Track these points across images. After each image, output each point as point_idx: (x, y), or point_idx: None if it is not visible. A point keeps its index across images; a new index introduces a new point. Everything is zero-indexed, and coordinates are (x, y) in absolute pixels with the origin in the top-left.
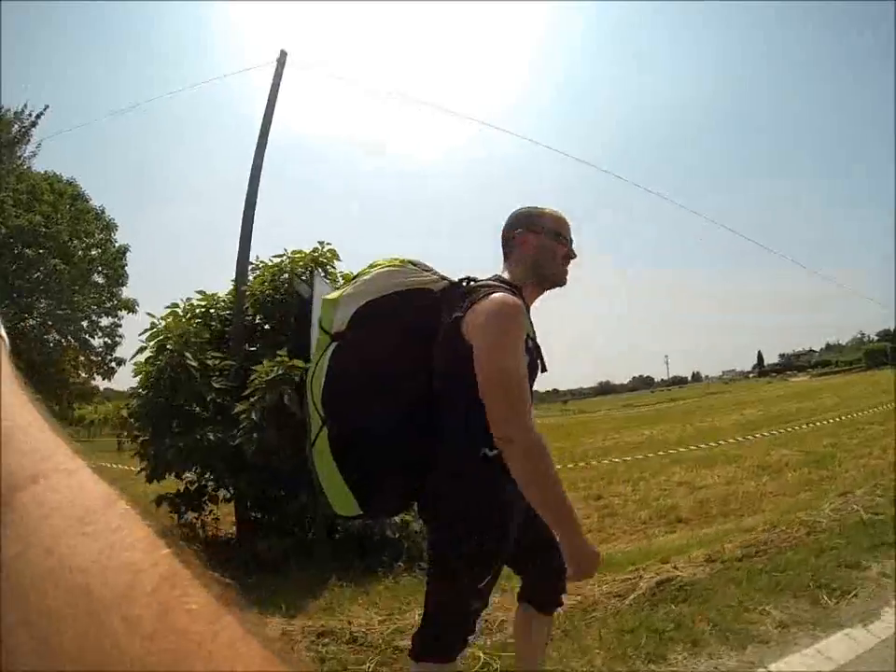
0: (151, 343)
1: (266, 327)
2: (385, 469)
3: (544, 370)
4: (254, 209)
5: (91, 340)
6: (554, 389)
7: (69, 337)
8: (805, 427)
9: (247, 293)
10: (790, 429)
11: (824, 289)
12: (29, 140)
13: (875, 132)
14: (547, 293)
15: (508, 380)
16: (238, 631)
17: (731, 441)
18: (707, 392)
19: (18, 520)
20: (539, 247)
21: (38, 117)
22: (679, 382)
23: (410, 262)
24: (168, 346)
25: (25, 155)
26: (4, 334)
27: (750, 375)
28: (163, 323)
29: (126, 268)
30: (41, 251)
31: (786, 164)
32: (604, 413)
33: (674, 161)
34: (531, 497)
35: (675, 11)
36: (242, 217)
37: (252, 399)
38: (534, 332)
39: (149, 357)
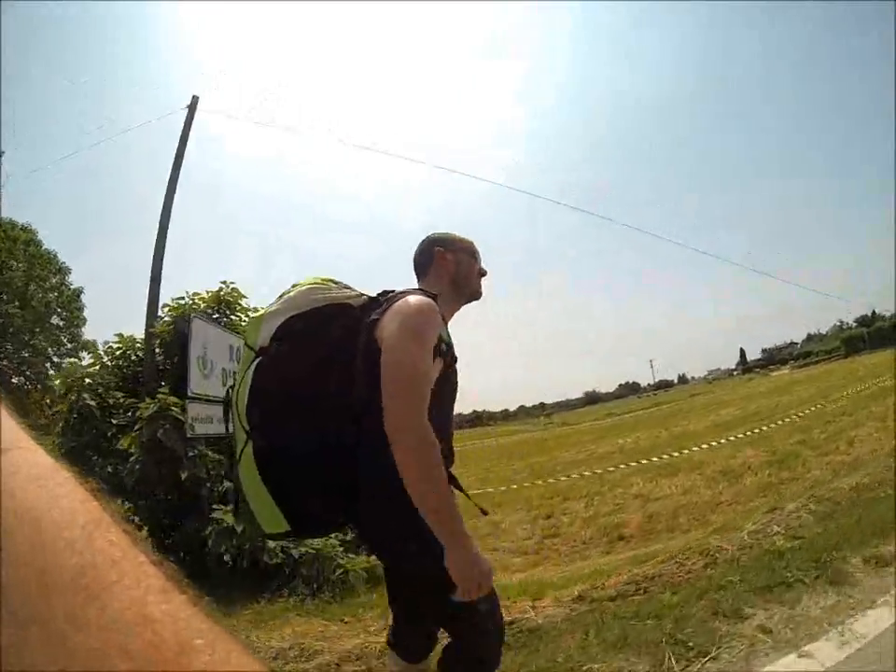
0: (59, 385)
1: (168, 366)
2: (309, 483)
3: (456, 381)
4: (163, 252)
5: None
6: (541, 403)
7: (32, 380)
8: (778, 423)
9: (155, 334)
10: (763, 428)
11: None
12: None
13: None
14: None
15: (407, 373)
16: (152, 575)
17: (702, 446)
18: (691, 394)
19: None
20: (457, 263)
21: None
22: (665, 385)
23: (331, 281)
24: (73, 389)
25: None
26: None
27: (734, 373)
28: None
29: (83, 310)
30: None
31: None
32: (588, 423)
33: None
34: (413, 496)
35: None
36: (152, 259)
37: (133, 434)
38: (450, 341)
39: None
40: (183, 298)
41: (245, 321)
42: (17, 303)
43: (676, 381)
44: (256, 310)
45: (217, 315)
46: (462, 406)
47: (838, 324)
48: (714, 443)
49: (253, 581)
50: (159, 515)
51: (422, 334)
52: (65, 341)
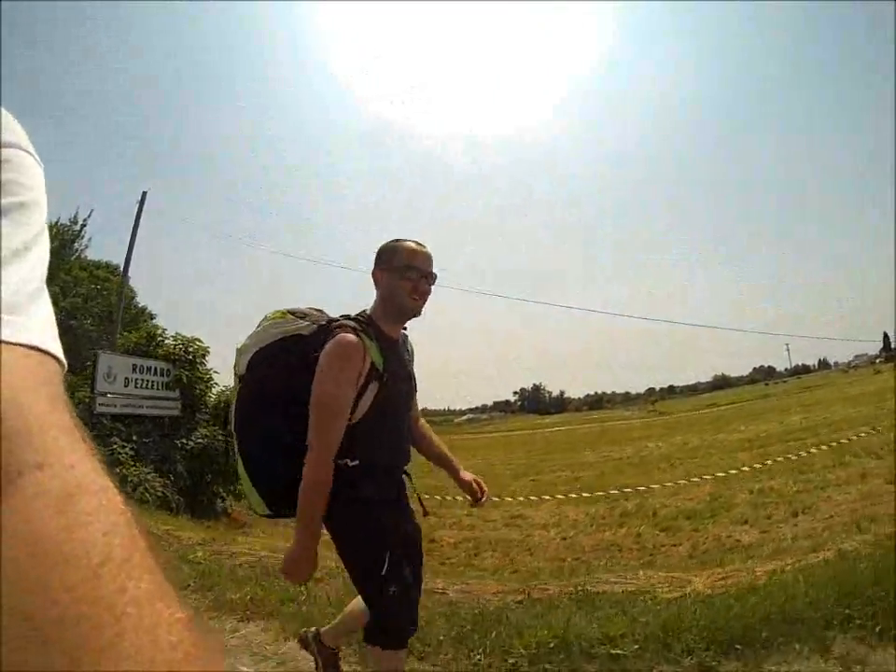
0: None
1: None
2: (278, 476)
3: (406, 392)
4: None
5: None
6: (670, 386)
7: None
8: (805, 453)
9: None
10: (786, 457)
11: None
12: (82, 236)
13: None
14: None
15: (319, 406)
16: (168, 619)
17: (666, 483)
18: (803, 387)
19: (17, 499)
20: (387, 285)
21: (86, 220)
22: (801, 371)
23: (289, 312)
24: None
25: (80, 248)
26: (63, 359)
27: (877, 360)
28: None
29: None
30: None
31: None
32: (669, 417)
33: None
34: (300, 492)
35: None
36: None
37: None
38: (390, 365)
39: None
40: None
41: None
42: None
43: (816, 365)
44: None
45: (148, 345)
46: (584, 387)
47: None
48: (679, 481)
49: None
50: None
51: (335, 372)
52: None
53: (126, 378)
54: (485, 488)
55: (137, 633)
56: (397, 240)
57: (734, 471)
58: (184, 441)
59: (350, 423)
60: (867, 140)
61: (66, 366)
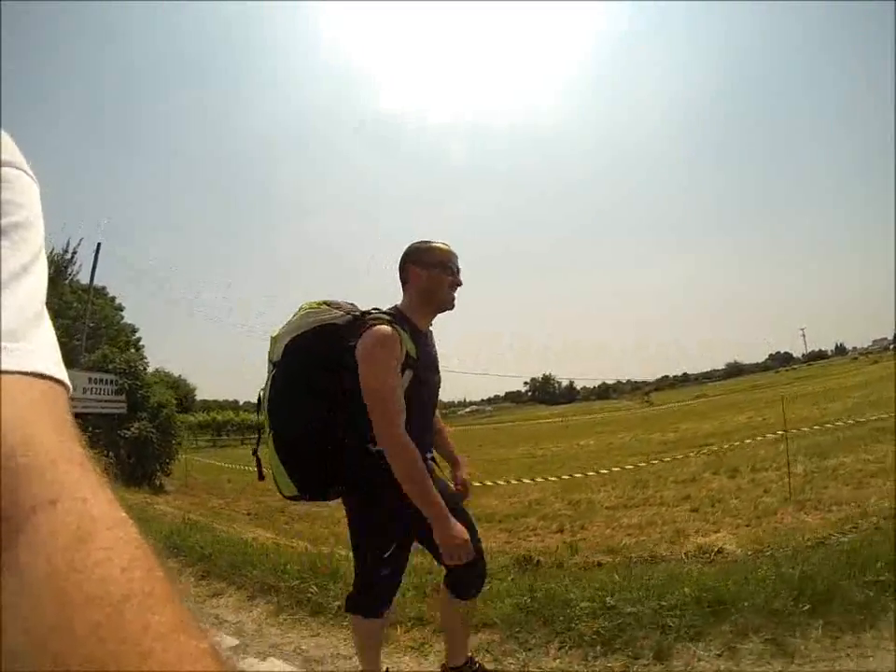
0: None
1: None
2: (310, 459)
3: (434, 382)
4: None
5: None
6: (684, 374)
7: None
8: (669, 459)
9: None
10: (660, 461)
11: None
12: (74, 262)
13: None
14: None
15: (376, 398)
16: (193, 651)
17: (521, 481)
18: (791, 379)
19: (32, 536)
20: (427, 278)
21: (76, 247)
22: (817, 357)
23: (325, 303)
24: None
25: (72, 273)
26: (68, 382)
27: (891, 347)
28: None
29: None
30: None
31: None
32: (649, 410)
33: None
34: (404, 489)
35: None
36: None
37: None
38: (421, 353)
39: None
40: None
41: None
42: None
43: (832, 352)
44: None
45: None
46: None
47: None
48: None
49: None
50: None
51: (381, 363)
52: None
53: (83, 388)
54: (469, 493)
55: (163, 668)
56: (426, 241)
57: (591, 473)
58: (125, 431)
59: None
60: (871, 126)
61: (71, 388)
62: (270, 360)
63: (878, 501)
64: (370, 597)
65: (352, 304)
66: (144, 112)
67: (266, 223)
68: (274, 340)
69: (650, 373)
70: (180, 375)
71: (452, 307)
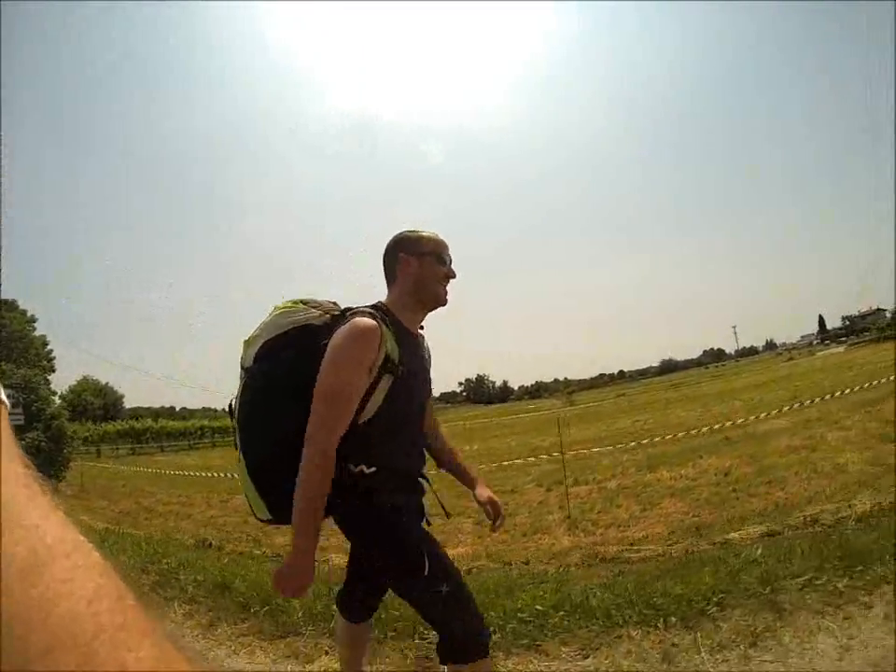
0: None
1: None
2: (282, 479)
3: (421, 392)
4: None
5: None
6: (620, 371)
7: None
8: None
9: None
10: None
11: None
12: None
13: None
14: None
15: (326, 395)
16: None
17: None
18: (712, 376)
19: None
20: (420, 269)
21: None
22: (749, 353)
23: (301, 302)
24: None
25: None
26: (4, 398)
27: (814, 342)
28: None
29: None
30: None
31: None
32: (576, 407)
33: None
34: (295, 492)
35: None
36: None
37: None
38: (405, 354)
39: None
40: None
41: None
42: None
43: (763, 347)
44: None
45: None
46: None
47: None
48: None
49: None
50: None
51: (347, 357)
52: None
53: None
54: (500, 511)
55: None
56: (415, 230)
57: None
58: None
59: (361, 421)
60: (804, 130)
61: (9, 405)
62: (242, 366)
63: (641, 530)
64: (454, 625)
65: (333, 303)
66: (99, 112)
67: (208, 223)
68: (247, 343)
69: (589, 372)
70: (107, 383)
71: (444, 302)
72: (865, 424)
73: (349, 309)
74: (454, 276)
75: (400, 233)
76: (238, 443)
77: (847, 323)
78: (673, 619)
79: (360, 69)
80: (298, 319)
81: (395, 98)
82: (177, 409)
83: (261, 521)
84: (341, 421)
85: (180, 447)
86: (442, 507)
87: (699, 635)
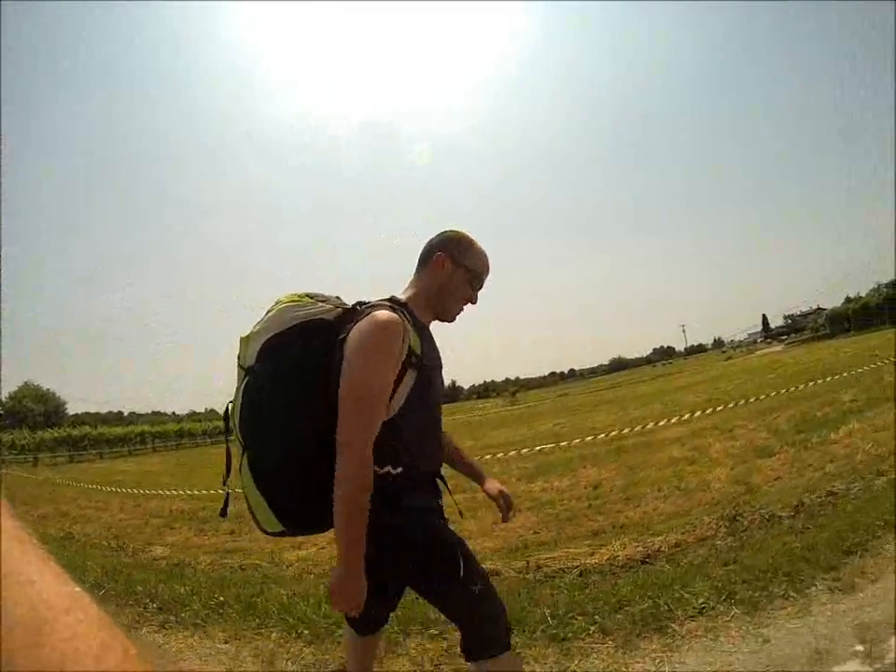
0: None
1: None
2: (297, 487)
3: (440, 385)
4: None
5: None
6: (571, 370)
7: None
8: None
9: None
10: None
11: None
12: None
13: None
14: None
15: (358, 394)
16: None
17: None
18: (654, 375)
19: None
20: (450, 279)
21: None
22: (697, 350)
23: (307, 295)
24: None
25: None
26: None
27: (757, 340)
28: None
29: None
30: None
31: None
32: (517, 407)
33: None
34: (335, 503)
35: None
36: None
37: None
38: (425, 350)
39: None
40: None
41: None
42: None
43: (711, 345)
44: None
45: None
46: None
47: (875, 286)
48: None
49: None
50: None
51: (374, 354)
52: None
53: None
54: (511, 502)
55: None
56: (470, 237)
57: None
58: None
59: (387, 419)
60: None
61: None
62: (241, 366)
63: (477, 545)
64: (484, 626)
65: (337, 297)
66: (60, 113)
67: (163, 223)
68: (246, 341)
69: (543, 370)
70: (48, 389)
71: (452, 319)
72: (754, 434)
73: (362, 303)
74: (474, 302)
75: (455, 232)
76: (240, 451)
77: (790, 322)
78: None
79: (325, 70)
80: (311, 313)
81: (364, 99)
82: (125, 413)
83: (271, 534)
84: (376, 420)
85: (120, 454)
86: (458, 508)
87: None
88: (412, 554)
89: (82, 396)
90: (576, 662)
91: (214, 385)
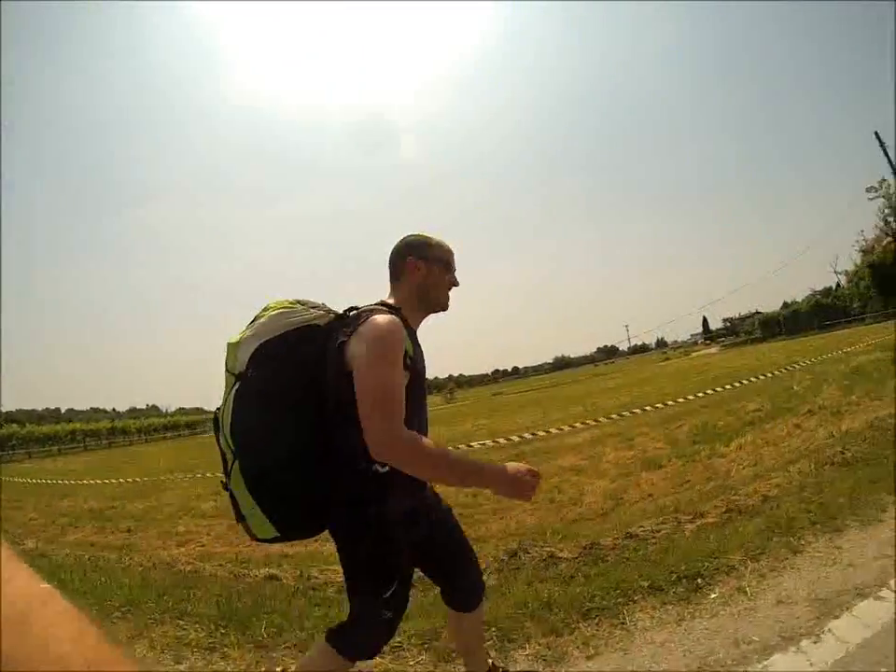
0: None
1: None
2: (291, 494)
3: (425, 386)
4: None
5: None
6: (514, 368)
7: None
8: None
9: None
10: None
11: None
12: None
13: None
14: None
15: (381, 394)
16: None
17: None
18: (592, 375)
19: None
20: (427, 274)
21: None
22: (640, 350)
23: (298, 302)
24: None
25: None
26: None
27: (698, 342)
28: None
29: None
30: None
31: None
32: (451, 405)
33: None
34: (441, 483)
35: None
36: None
37: None
38: (416, 353)
39: None
40: None
41: None
42: None
43: (654, 345)
44: None
45: None
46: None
47: (809, 293)
48: None
49: None
50: None
51: (388, 356)
52: None
53: None
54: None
55: None
56: (424, 235)
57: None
58: None
59: None
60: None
61: None
62: (230, 371)
63: None
64: (364, 638)
65: (323, 304)
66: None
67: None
68: (234, 346)
69: (487, 367)
70: None
71: (446, 308)
72: (651, 444)
73: (352, 309)
74: (457, 284)
75: (411, 236)
76: (233, 458)
77: (728, 325)
78: None
79: (272, 59)
80: (304, 319)
81: (301, 92)
82: (63, 410)
83: (261, 541)
84: (401, 414)
85: (49, 453)
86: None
87: None
88: (354, 554)
89: (17, 393)
90: None
91: (151, 380)
